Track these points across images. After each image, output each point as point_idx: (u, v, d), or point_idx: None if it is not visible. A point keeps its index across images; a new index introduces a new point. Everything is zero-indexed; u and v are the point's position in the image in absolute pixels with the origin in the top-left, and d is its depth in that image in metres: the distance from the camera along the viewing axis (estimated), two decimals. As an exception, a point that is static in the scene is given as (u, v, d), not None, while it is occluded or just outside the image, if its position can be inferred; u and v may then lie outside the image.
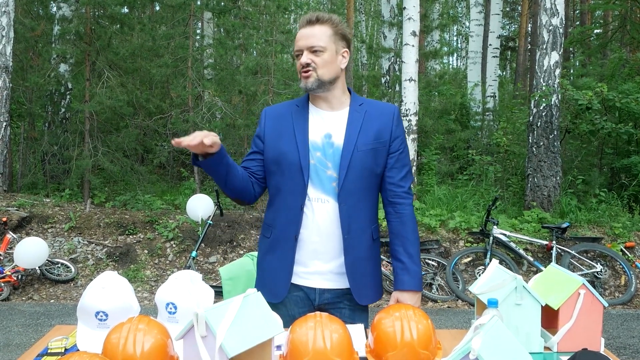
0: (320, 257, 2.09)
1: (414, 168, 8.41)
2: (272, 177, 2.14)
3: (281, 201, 2.11)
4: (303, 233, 2.08)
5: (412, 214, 2.13)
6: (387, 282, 6.04)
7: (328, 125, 2.09)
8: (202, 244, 6.92)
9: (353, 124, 2.08)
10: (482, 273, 1.93)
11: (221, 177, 2.02)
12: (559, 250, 6.38)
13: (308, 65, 2.02)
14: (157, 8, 13.48)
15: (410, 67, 8.30)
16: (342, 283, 2.11)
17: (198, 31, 13.17)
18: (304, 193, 2.06)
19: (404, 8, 8.36)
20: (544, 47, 7.91)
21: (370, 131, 2.08)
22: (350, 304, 2.12)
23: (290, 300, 2.12)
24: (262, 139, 2.15)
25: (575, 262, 6.36)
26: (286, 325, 1.79)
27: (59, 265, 6.52)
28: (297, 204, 2.07)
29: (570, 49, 16.23)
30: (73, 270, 6.47)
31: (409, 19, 8.29)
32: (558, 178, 7.94)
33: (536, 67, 8.06)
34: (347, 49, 2.11)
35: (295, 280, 2.12)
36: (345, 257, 2.07)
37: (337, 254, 2.09)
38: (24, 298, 6.09)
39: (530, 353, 1.72)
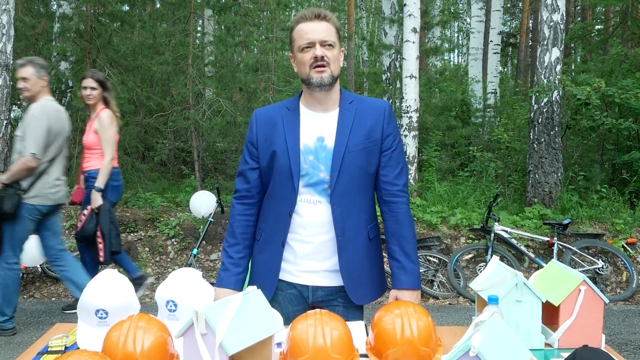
0: (313, 257, 2.08)
1: (415, 165, 8.40)
2: (266, 184, 2.13)
3: (271, 206, 2.11)
4: (293, 237, 2.07)
5: (408, 212, 2.10)
6: (389, 279, 6.04)
7: (320, 127, 2.06)
8: (203, 242, 6.92)
9: (344, 124, 2.04)
10: (484, 270, 1.93)
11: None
12: (560, 247, 6.37)
13: (323, 58, 1.97)
14: (158, 5, 13.49)
15: (411, 63, 8.29)
16: (336, 280, 2.10)
17: (199, 28, 13.17)
18: (293, 199, 2.04)
19: (405, 5, 8.35)
20: (545, 43, 7.89)
21: (361, 130, 2.04)
22: (344, 302, 2.11)
23: (284, 299, 2.11)
24: (256, 146, 2.12)
25: (576, 259, 6.35)
26: (281, 324, 1.79)
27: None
28: (285, 211, 2.05)
29: (571, 45, 16.20)
30: (74, 268, 6.47)
31: (410, 15, 8.28)
32: (559, 174, 7.93)
33: (537, 63, 8.05)
34: (343, 48, 2.11)
35: (289, 278, 2.11)
36: (340, 258, 2.06)
37: (331, 254, 2.07)
38: (25, 296, 6.09)
39: (530, 349, 1.72)
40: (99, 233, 4.83)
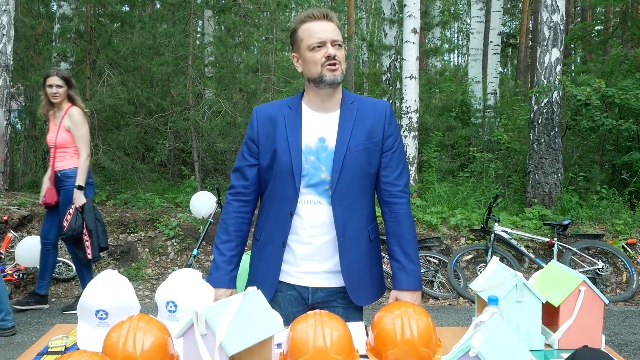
0: (313, 258, 2.08)
1: (415, 165, 8.40)
2: (264, 182, 2.13)
3: (271, 206, 2.10)
4: (293, 238, 2.07)
5: (409, 213, 2.10)
6: (389, 280, 6.04)
7: (322, 128, 2.06)
8: (203, 242, 6.92)
9: (345, 124, 2.04)
10: (484, 270, 1.93)
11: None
12: (561, 247, 6.37)
13: (335, 57, 1.97)
14: (158, 6, 13.50)
15: (411, 64, 8.29)
16: (336, 282, 2.10)
17: (199, 29, 13.17)
18: (294, 199, 2.03)
19: (405, 5, 8.36)
20: (545, 43, 7.90)
21: (362, 131, 2.04)
22: (343, 303, 2.11)
23: (283, 300, 2.11)
24: (256, 143, 2.11)
25: (576, 259, 6.35)
26: (280, 325, 1.79)
27: (60, 263, 6.50)
28: (286, 211, 2.05)
29: (571, 45, 16.20)
30: (74, 268, 6.47)
31: (410, 16, 8.28)
32: (559, 175, 7.93)
33: (537, 63, 8.05)
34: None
35: (288, 279, 2.11)
36: (341, 259, 2.05)
37: (331, 255, 2.07)
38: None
39: (530, 350, 1.72)
40: (85, 231, 4.85)
